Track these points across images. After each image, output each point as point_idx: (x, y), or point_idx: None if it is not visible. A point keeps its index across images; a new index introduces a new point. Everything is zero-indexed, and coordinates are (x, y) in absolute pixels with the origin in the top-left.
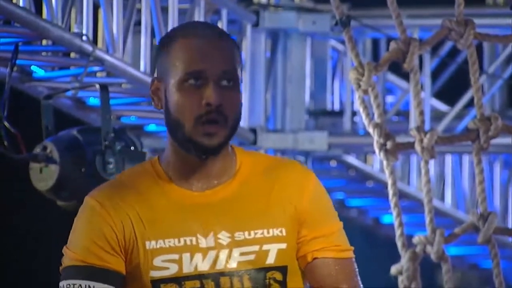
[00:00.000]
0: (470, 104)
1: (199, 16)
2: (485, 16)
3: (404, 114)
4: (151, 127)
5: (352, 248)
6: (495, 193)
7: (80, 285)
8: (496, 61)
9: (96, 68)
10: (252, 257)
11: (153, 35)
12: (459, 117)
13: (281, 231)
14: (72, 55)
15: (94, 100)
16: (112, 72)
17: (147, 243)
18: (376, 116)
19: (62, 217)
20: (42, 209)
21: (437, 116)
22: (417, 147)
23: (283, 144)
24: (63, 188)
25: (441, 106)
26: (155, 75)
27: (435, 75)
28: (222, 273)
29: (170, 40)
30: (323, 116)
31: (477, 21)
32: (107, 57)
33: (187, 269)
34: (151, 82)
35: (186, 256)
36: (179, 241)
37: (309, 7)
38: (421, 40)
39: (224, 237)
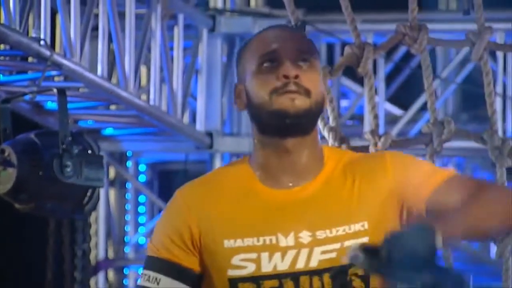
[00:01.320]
0: (423, 108)
1: (155, 21)
2: (438, 22)
3: (358, 118)
4: (108, 131)
5: (452, 169)
6: None
7: (150, 276)
8: (449, 66)
9: (54, 73)
10: (333, 255)
11: (110, 40)
12: (413, 121)
13: (363, 225)
14: (30, 59)
15: (52, 104)
16: (70, 76)
17: (226, 241)
18: (331, 120)
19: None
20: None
21: (391, 120)
22: (372, 150)
23: (239, 148)
24: (21, 191)
25: (395, 110)
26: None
27: (389, 79)
28: (301, 273)
29: (245, 44)
30: None
31: (430, 26)
32: (64, 62)
33: (265, 268)
34: (234, 88)
35: (264, 255)
36: (258, 240)
37: (265, 12)
38: (376, 45)
39: (305, 236)
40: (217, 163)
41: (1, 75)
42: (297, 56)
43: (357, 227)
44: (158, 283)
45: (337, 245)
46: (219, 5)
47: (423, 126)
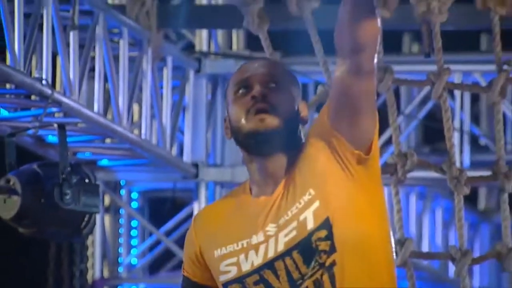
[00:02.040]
0: (389, 141)
1: (146, 63)
2: (401, 63)
3: None
4: (104, 162)
5: None
6: (411, 221)
7: None
8: (412, 103)
9: (54, 109)
10: (294, 232)
11: (105, 80)
12: (381, 152)
13: (309, 194)
14: (33, 97)
15: (52, 138)
16: (69, 112)
17: (215, 252)
18: None
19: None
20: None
21: None
22: None
23: (222, 178)
24: (24, 217)
25: None
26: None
27: None
28: (274, 259)
29: (229, 81)
30: None
31: (395, 67)
32: (64, 99)
33: (245, 268)
34: (224, 122)
35: (242, 256)
36: (237, 245)
37: (246, 55)
38: None
39: (271, 228)
40: (202, 191)
41: (6, 111)
42: (266, 80)
43: (305, 198)
44: None
45: (294, 223)
46: (204, 48)
47: (388, 158)
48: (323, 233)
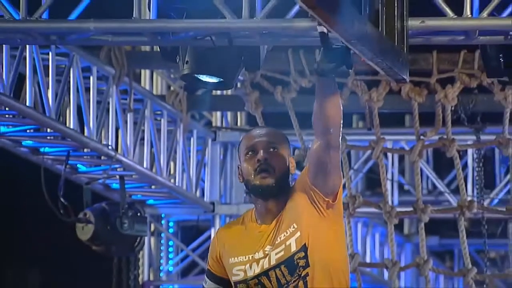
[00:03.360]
0: (343, 187)
1: (179, 134)
2: (352, 134)
3: None
4: (150, 201)
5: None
6: (358, 241)
7: (204, 279)
8: (359, 161)
9: (117, 166)
10: (282, 252)
11: (151, 145)
12: None
13: (293, 227)
14: (102, 157)
15: (115, 185)
16: (127, 168)
17: (230, 259)
18: None
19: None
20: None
21: None
22: None
23: (230, 212)
24: (96, 239)
25: None
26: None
27: None
28: (268, 269)
29: (241, 141)
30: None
31: (347, 137)
32: (123, 159)
33: (249, 273)
34: (237, 168)
35: (248, 266)
36: (245, 258)
37: (247, 129)
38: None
39: (268, 249)
40: (217, 221)
41: (84, 167)
42: (267, 146)
43: (290, 229)
44: (205, 283)
45: (283, 246)
46: (218, 124)
47: (343, 199)
48: (302, 254)
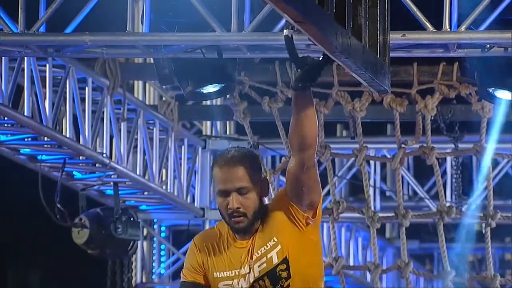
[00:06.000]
0: (327, 193)
1: (171, 142)
2: (336, 143)
3: None
4: (143, 207)
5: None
6: (342, 245)
7: None
8: (343, 168)
9: (111, 172)
10: (264, 265)
11: (144, 153)
12: (322, 200)
13: (273, 240)
14: (97, 165)
15: (110, 191)
16: (120, 175)
17: (215, 273)
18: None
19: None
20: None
21: None
22: None
23: (220, 217)
24: (91, 243)
25: None
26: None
27: None
28: (254, 281)
29: (213, 164)
30: None
31: (331, 145)
32: (117, 166)
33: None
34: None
35: (235, 281)
36: (231, 272)
37: (235, 137)
38: None
39: (251, 263)
40: (207, 226)
41: (80, 174)
42: (238, 192)
43: (271, 243)
44: None
45: (264, 259)
46: (208, 133)
47: (327, 204)
48: (284, 266)
